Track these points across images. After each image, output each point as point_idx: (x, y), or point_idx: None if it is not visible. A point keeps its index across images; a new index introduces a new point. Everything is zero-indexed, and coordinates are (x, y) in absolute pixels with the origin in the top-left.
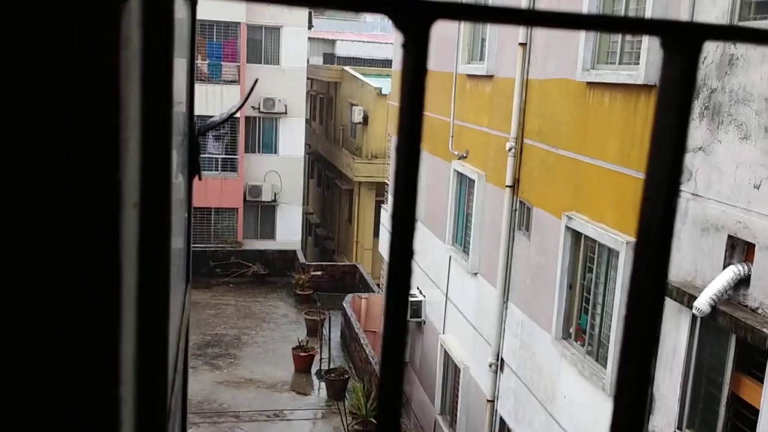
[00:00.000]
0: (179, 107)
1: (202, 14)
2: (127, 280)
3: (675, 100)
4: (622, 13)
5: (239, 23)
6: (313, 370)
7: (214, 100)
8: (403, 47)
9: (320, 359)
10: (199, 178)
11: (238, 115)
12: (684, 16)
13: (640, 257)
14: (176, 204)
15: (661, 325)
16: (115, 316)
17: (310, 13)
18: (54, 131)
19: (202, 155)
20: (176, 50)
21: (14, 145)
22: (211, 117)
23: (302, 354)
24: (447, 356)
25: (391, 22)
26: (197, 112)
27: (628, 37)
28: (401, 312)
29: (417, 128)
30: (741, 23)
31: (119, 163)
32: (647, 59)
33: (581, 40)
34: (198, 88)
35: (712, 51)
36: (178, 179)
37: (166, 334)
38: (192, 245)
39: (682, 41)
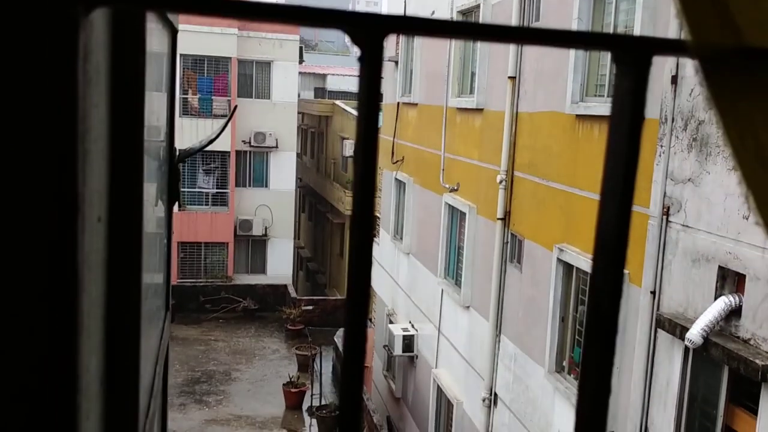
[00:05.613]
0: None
1: (193, 49)
2: (91, 292)
3: (627, 113)
4: (612, 25)
5: (230, 58)
6: (305, 406)
7: (205, 134)
8: (359, 60)
9: (312, 395)
10: (179, 206)
11: (228, 149)
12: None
13: (596, 266)
14: (154, 227)
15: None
16: (73, 325)
17: (301, 48)
18: (5, 140)
19: (192, 189)
20: (156, 80)
21: None
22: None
23: (293, 390)
24: (440, 391)
25: (347, 37)
26: (188, 146)
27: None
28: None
29: (373, 137)
30: None
31: (76, 174)
32: None
33: (570, 72)
34: (189, 122)
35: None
36: (157, 205)
37: (137, 348)
38: (181, 280)
39: (632, 55)
